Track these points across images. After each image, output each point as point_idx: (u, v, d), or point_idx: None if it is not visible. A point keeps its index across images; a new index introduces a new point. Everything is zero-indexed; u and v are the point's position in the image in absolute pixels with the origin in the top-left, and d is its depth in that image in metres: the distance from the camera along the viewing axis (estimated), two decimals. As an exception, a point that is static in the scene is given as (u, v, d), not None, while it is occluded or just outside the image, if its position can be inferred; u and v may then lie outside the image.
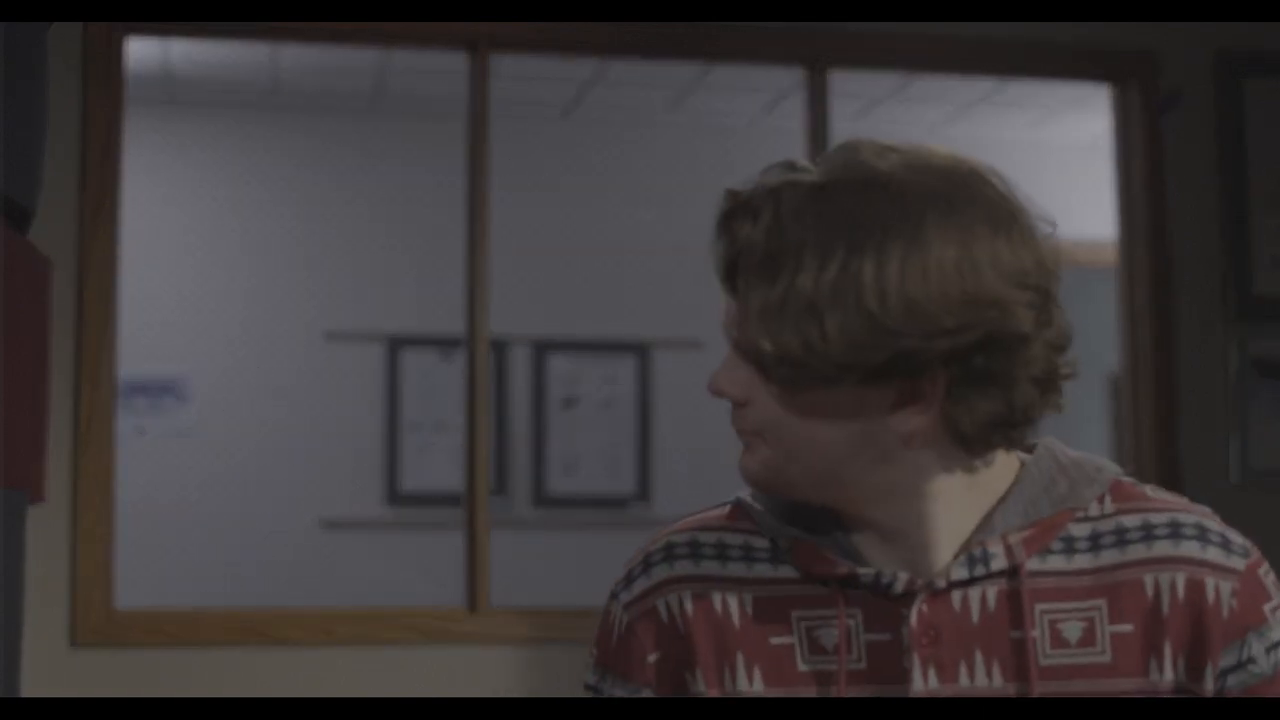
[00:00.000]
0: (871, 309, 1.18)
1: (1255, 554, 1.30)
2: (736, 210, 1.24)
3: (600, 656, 1.39)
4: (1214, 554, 1.28)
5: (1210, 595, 1.26)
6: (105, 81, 3.67)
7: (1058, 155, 6.14)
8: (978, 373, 1.22)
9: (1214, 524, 1.30)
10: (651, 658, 1.35)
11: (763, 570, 1.33)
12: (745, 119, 5.95)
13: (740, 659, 1.31)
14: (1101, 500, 1.31)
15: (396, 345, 5.92)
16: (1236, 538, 1.30)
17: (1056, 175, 6.09)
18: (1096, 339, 6.40)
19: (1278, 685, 1.27)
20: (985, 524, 1.28)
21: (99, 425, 3.60)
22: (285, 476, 5.80)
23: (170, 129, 5.80)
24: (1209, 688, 1.26)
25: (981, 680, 1.26)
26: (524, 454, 6.01)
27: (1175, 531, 1.28)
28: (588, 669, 1.41)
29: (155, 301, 5.74)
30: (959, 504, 1.27)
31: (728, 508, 1.40)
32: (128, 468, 5.71)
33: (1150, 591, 1.27)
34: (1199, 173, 4.14)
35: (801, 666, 1.30)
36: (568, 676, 3.72)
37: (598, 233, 6.06)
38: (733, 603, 1.33)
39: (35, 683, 3.46)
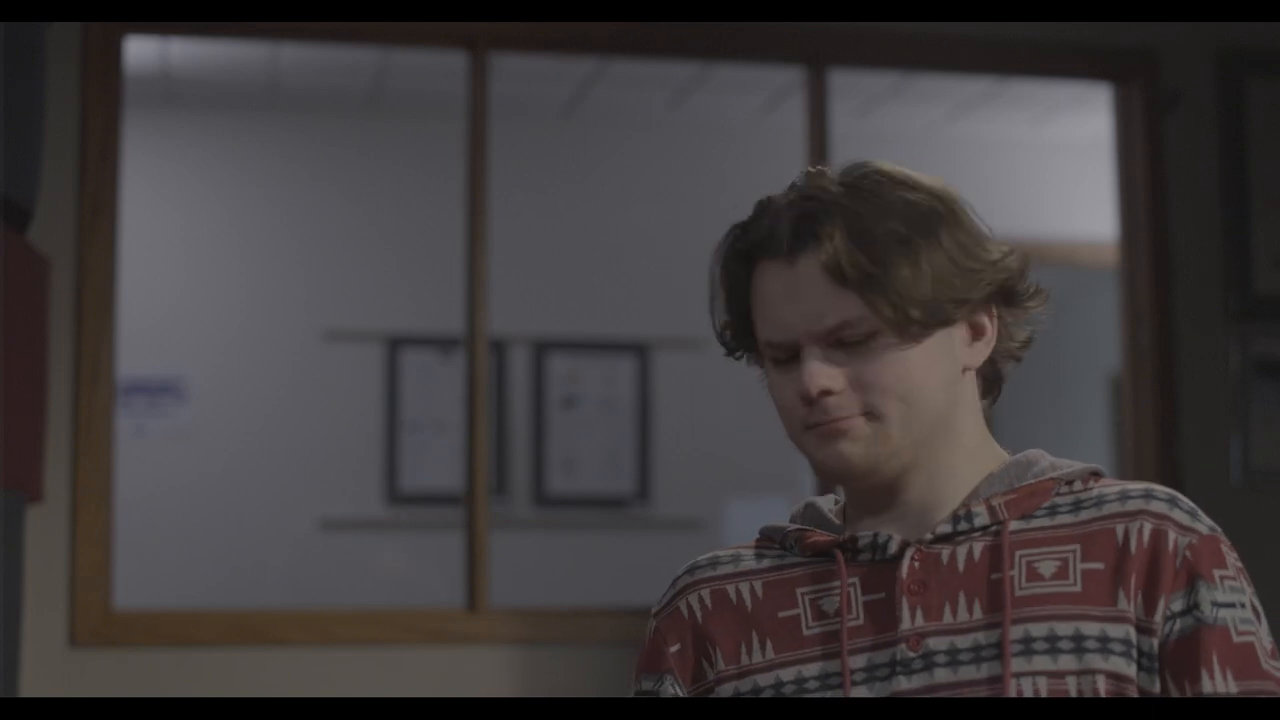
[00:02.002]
0: (959, 261, 1.44)
1: (1220, 534, 1.46)
2: (815, 215, 1.43)
3: (637, 668, 1.58)
4: (1180, 515, 1.45)
5: (1170, 544, 1.42)
6: (104, 81, 3.66)
7: (1058, 154, 6.13)
8: (1015, 309, 1.50)
9: (1187, 500, 1.47)
10: (673, 648, 1.54)
11: (771, 561, 1.53)
12: (745, 119, 5.95)
13: (754, 634, 1.50)
14: (1085, 481, 1.49)
15: (396, 345, 5.92)
16: (1206, 517, 1.46)
17: (1056, 175, 6.09)
18: (1096, 339, 6.39)
19: (1218, 633, 1.40)
20: (973, 494, 1.48)
21: (98, 425, 3.60)
22: (285, 476, 5.80)
23: (169, 129, 5.80)
24: (1158, 622, 1.40)
25: (963, 615, 1.42)
26: (524, 454, 6.00)
27: (1148, 494, 1.47)
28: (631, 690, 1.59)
29: (154, 301, 5.73)
30: (960, 472, 1.48)
31: (750, 542, 1.59)
32: (126, 468, 5.70)
33: (1120, 537, 1.43)
34: (1199, 173, 4.13)
35: (806, 632, 1.47)
36: (567, 677, 3.72)
37: (598, 233, 6.06)
38: (745, 590, 1.52)
39: (33, 683, 3.46)
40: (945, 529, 1.45)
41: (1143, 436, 4.05)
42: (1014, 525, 1.45)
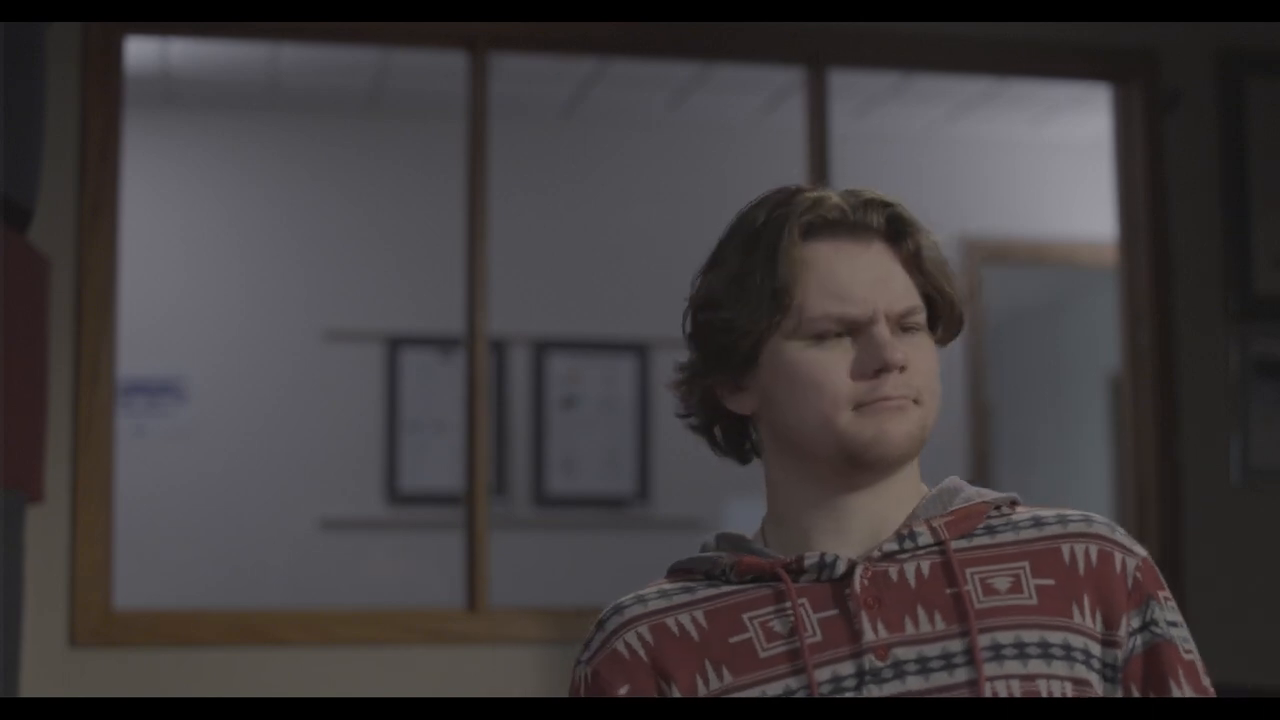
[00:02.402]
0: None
1: (1150, 559, 1.54)
2: (898, 208, 1.52)
3: None
4: (1121, 539, 1.52)
5: (1117, 565, 1.49)
6: (104, 81, 3.66)
7: (1058, 154, 6.13)
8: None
9: (1120, 527, 1.54)
10: (622, 690, 1.50)
11: (706, 592, 1.52)
12: (745, 119, 5.95)
13: (707, 664, 1.47)
14: (1011, 507, 1.55)
15: (395, 345, 5.92)
16: (1138, 543, 1.54)
17: (1056, 175, 6.09)
18: (1096, 339, 6.39)
19: (1174, 649, 1.48)
20: (911, 516, 1.51)
21: (98, 425, 3.60)
22: (285, 476, 5.80)
23: (169, 129, 5.80)
24: (1122, 636, 1.47)
25: (925, 626, 1.45)
26: (524, 454, 6.00)
27: (1087, 518, 1.53)
28: None
29: (154, 301, 5.73)
30: (903, 495, 1.52)
31: (661, 578, 1.58)
32: (126, 468, 5.69)
33: (1066, 557, 1.49)
34: (1199, 173, 4.13)
35: (763, 654, 1.46)
36: (567, 677, 3.71)
37: (598, 233, 6.06)
38: (686, 621, 1.50)
39: (34, 683, 3.46)
40: (891, 547, 1.48)
41: (1143, 436, 4.06)
42: (956, 544, 1.49)
